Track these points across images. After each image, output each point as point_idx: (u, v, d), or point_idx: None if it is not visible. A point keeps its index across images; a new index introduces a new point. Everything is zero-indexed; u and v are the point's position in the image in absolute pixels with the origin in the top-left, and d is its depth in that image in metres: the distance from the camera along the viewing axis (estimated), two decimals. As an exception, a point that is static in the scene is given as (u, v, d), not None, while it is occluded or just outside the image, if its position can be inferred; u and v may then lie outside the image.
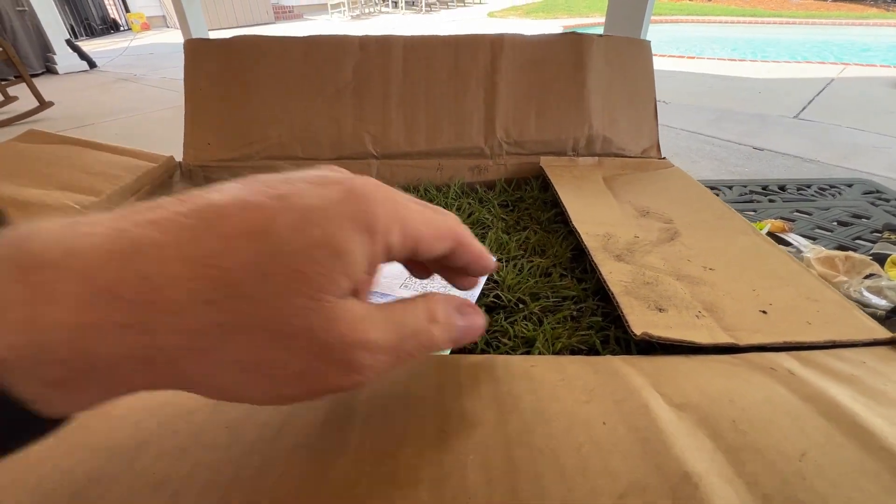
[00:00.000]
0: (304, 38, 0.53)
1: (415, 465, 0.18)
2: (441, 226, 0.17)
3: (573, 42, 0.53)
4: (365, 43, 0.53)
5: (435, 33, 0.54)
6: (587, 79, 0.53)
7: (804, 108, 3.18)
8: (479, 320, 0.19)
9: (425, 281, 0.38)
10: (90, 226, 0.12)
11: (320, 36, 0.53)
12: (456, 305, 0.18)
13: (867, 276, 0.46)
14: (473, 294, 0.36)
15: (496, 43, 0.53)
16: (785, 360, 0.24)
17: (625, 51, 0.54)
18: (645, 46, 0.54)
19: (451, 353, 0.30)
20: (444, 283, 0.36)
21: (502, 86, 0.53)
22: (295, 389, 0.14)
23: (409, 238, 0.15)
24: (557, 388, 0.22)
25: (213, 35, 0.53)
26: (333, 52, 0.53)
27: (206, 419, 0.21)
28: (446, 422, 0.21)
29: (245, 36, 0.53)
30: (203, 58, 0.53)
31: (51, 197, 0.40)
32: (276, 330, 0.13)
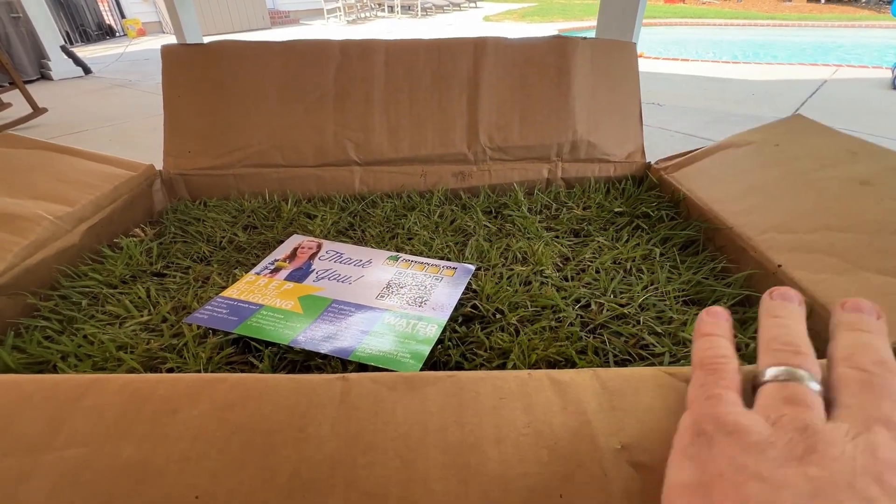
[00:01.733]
0: (283, 42, 0.53)
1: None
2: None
3: (557, 45, 0.52)
4: (346, 47, 0.53)
5: (418, 37, 0.54)
6: (572, 83, 0.52)
7: (797, 110, 3.19)
8: None
9: (403, 290, 0.37)
10: None
11: (301, 41, 0.53)
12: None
13: None
14: (451, 304, 0.35)
15: (479, 46, 0.52)
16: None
17: (610, 54, 0.54)
18: (630, 49, 0.54)
19: (422, 369, 0.29)
20: (423, 286, 0.35)
21: (485, 91, 0.53)
22: None
23: None
24: (523, 438, 0.21)
25: (209, 41, 0.53)
26: (314, 58, 0.53)
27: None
28: (410, 487, 0.20)
29: (224, 41, 0.53)
30: (181, 64, 0.53)
31: (21, 207, 0.39)
32: None
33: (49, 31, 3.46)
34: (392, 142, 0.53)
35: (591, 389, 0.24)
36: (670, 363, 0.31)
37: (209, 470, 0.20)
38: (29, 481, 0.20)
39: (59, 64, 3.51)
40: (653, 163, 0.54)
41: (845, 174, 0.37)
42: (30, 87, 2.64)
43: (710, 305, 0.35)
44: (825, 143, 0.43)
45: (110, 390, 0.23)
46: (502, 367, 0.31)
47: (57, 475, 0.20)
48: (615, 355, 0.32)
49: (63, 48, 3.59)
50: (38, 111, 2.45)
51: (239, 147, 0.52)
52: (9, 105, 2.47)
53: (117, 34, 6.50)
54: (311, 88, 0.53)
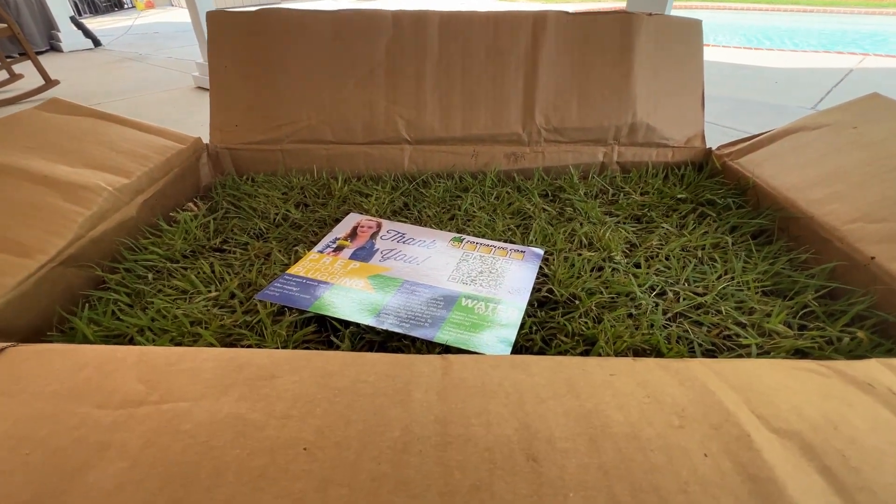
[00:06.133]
0: (334, 12, 0.51)
1: (510, 501, 0.17)
2: None
3: (621, 21, 0.50)
4: (398, 18, 0.51)
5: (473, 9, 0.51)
6: (634, 62, 0.50)
7: (822, 100, 3.11)
8: None
9: (474, 273, 0.36)
10: None
11: (351, 10, 0.50)
12: None
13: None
14: (526, 288, 0.34)
15: (539, 20, 0.50)
16: (879, 371, 0.22)
17: (675, 31, 0.51)
18: (696, 27, 0.51)
19: (513, 351, 0.29)
20: (494, 269, 0.34)
21: (543, 68, 0.51)
22: None
23: None
24: (645, 405, 0.21)
25: (255, 8, 0.50)
26: (365, 29, 0.51)
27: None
28: (534, 446, 0.19)
29: (272, 9, 0.51)
30: (227, 32, 0.51)
31: (81, 176, 0.38)
32: None
33: (59, 2, 3.39)
34: (444, 120, 0.52)
35: (705, 375, 0.23)
36: (759, 356, 0.30)
37: (314, 426, 0.19)
38: (123, 430, 0.19)
39: (69, 35, 3.45)
40: (714, 148, 0.52)
41: (939, 162, 0.36)
42: (40, 59, 2.60)
43: (792, 297, 0.34)
44: (909, 128, 0.41)
45: (203, 358, 0.22)
46: (586, 353, 0.30)
47: (154, 424, 0.19)
48: (700, 345, 0.31)
49: (73, 19, 3.52)
50: (50, 83, 2.42)
51: (287, 122, 0.51)
52: (20, 76, 2.44)
53: (125, 6, 6.38)
54: (361, 61, 0.51)
